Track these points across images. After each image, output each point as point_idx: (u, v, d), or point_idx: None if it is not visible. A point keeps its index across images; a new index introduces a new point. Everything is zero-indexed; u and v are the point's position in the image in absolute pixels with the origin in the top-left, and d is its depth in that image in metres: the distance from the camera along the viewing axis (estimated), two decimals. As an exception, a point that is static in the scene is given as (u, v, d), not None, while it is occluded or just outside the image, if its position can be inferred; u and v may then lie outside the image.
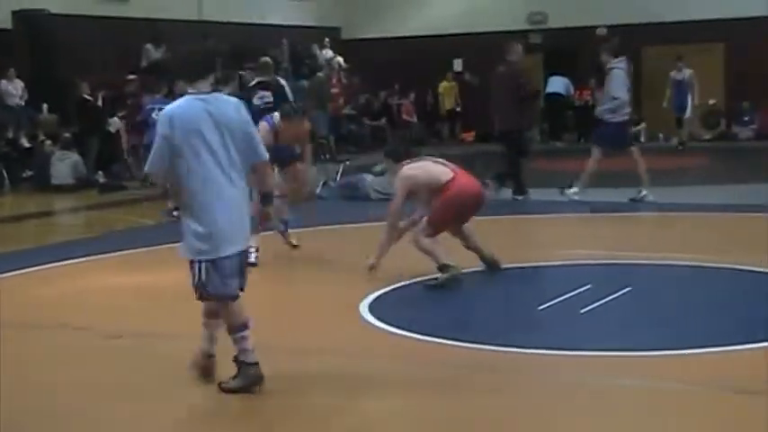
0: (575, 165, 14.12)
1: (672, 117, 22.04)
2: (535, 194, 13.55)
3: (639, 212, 12.33)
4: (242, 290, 5.49)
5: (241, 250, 5.49)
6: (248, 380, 5.41)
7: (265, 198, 5.96)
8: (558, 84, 23.90)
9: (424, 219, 8.28)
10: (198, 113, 5.35)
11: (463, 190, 8.30)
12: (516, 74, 13.80)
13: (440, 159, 8.67)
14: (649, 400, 5.33)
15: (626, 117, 13.16)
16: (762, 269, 8.28)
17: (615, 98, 12.95)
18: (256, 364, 5.42)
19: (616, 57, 13.41)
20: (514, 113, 13.56)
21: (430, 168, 8.43)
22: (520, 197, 13.52)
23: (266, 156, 5.64)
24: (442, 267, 8.09)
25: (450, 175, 8.32)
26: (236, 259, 5.43)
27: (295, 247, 10.00)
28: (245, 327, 5.41)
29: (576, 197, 12.88)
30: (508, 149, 13.69)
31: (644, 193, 12.75)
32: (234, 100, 5.60)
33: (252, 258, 8.08)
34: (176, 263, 7.89)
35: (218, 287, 5.37)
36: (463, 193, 8.29)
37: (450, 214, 8.31)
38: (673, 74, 21.54)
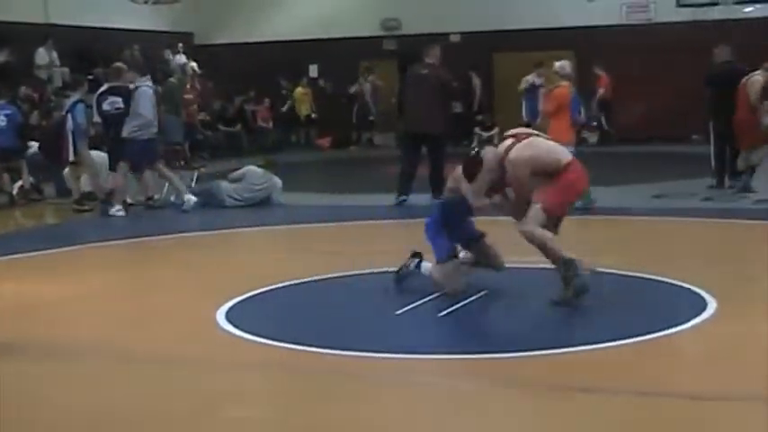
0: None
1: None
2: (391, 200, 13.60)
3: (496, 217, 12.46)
4: None
5: None
6: None
7: None
8: None
9: (537, 206, 7.24)
10: None
11: (582, 175, 7.58)
12: (441, 76, 13.82)
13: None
14: (507, 401, 5.38)
15: (153, 135, 13.44)
16: (608, 269, 8.48)
17: (140, 115, 13.06)
18: None
19: (143, 75, 13.65)
20: (440, 116, 13.53)
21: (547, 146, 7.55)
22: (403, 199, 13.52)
23: None
24: (567, 263, 7.15)
25: (570, 156, 7.54)
26: None
27: None
28: None
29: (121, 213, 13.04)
30: (431, 152, 13.60)
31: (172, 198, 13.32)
32: None
33: None
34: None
35: None
36: (581, 180, 7.59)
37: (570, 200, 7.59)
38: (531, 77, 21.92)
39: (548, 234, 7.20)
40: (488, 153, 7.43)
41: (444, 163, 13.51)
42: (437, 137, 13.52)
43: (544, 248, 7.23)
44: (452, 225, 7.86)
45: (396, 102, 15.51)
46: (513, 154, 7.27)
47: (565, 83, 12.02)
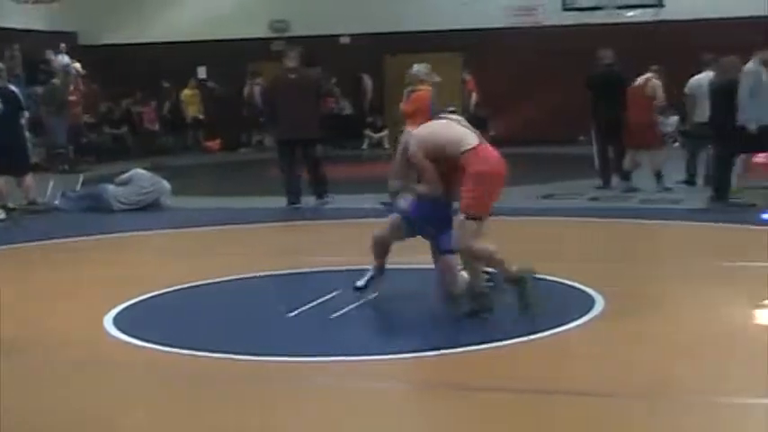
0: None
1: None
2: (279, 202, 13.52)
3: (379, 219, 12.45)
4: None
5: None
6: None
7: None
8: None
9: (458, 217, 6.87)
10: None
11: (493, 162, 7.02)
12: (310, 77, 13.73)
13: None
14: (401, 401, 5.39)
15: None
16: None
17: None
18: None
19: None
20: (314, 119, 13.45)
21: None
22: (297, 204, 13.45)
23: None
24: (517, 281, 6.85)
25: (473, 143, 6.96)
26: None
27: None
28: None
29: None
30: (307, 156, 13.48)
31: None
32: None
33: None
34: None
35: None
36: (493, 168, 7.01)
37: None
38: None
39: (489, 248, 6.84)
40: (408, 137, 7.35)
41: (322, 164, 13.54)
42: (312, 140, 13.50)
43: (489, 263, 6.97)
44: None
45: (266, 109, 15.35)
46: (413, 132, 7.32)
47: (424, 86, 12.22)
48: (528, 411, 5.15)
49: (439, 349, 6.20)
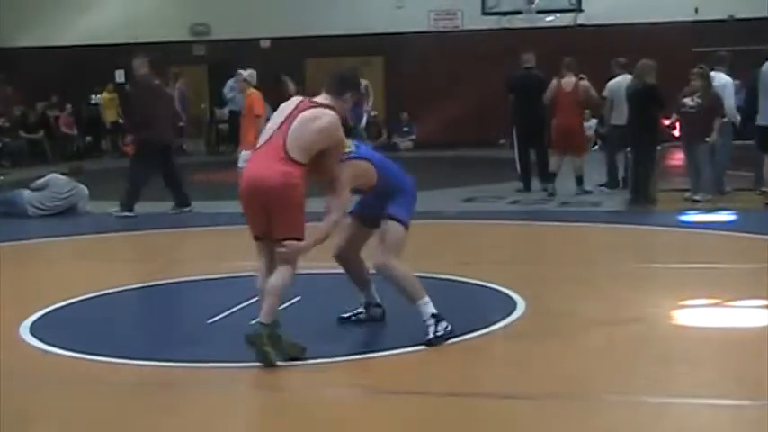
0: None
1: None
2: (203, 207, 13.41)
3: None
4: None
5: None
6: None
7: None
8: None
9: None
10: None
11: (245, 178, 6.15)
12: (157, 86, 13.85)
13: None
14: (318, 406, 5.34)
15: None
16: (421, 273, 8.54)
17: None
18: None
19: None
20: (173, 125, 13.60)
21: None
22: (186, 209, 13.34)
23: None
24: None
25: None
26: None
27: None
28: None
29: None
30: (168, 162, 13.40)
31: None
32: None
33: None
34: None
35: None
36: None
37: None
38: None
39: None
40: None
41: (177, 173, 13.60)
42: (170, 146, 13.74)
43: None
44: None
45: (131, 115, 15.64)
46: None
47: (253, 90, 12.37)
48: (448, 414, 5.15)
49: (357, 354, 6.19)
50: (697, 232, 10.95)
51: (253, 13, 24.30)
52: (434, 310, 6.38)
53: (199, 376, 5.92)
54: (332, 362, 6.05)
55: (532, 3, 23.21)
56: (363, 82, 23.33)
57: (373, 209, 6.56)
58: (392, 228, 6.42)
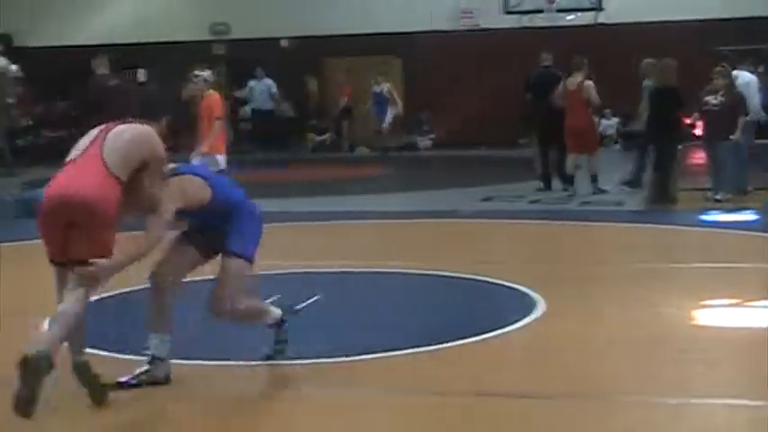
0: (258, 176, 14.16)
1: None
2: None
3: (321, 222, 12.42)
4: None
5: None
6: None
7: None
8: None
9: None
10: None
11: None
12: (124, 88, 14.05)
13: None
14: (329, 406, 5.35)
15: None
16: (441, 272, 8.56)
17: None
18: None
19: None
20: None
21: None
22: None
23: None
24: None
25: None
26: None
27: None
28: None
29: None
30: None
31: None
32: None
33: None
34: None
35: None
36: None
37: None
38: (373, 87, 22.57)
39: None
40: None
41: None
42: None
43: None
44: None
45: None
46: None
47: (212, 92, 12.42)
48: (466, 414, 5.15)
49: (374, 353, 6.16)
50: (718, 232, 10.92)
51: (273, 11, 24.32)
52: (277, 318, 5.90)
53: (206, 374, 5.93)
54: (348, 361, 6.06)
55: (553, 2, 23.14)
56: (386, 85, 23.49)
57: (210, 236, 5.69)
58: (234, 266, 5.61)
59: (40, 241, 5.23)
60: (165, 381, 5.54)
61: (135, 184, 5.24)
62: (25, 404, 4.71)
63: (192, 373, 5.87)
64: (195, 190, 5.48)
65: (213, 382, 5.80)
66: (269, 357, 5.95)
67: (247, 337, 6.74)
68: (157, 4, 25.36)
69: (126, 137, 5.26)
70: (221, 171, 12.70)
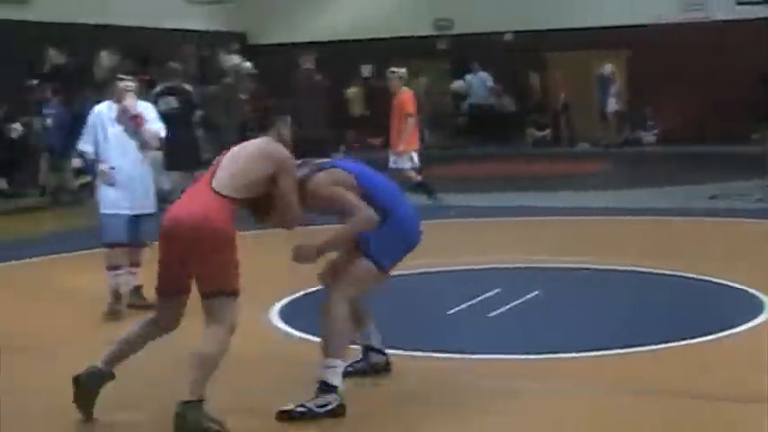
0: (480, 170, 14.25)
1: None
2: (451, 200, 13.54)
3: (546, 217, 12.41)
4: None
5: None
6: None
7: None
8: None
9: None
10: None
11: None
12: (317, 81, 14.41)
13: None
14: (551, 403, 5.36)
15: None
16: (663, 271, 8.42)
17: None
18: None
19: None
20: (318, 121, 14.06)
21: None
22: None
23: None
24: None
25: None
26: None
27: None
28: None
29: None
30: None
31: None
32: None
33: None
34: (67, 272, 7.67)
35: None
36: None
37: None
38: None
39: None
40: None
41: None
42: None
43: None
44: None
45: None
46: None
47: (405, 89, 12.25)
48: (683, 416, 5.06)
49: (599, 351, 6.14)
50: None
51: (496, 6, 24.34)
52: (334, 381, 5.18)
53: (434, 366, 6.04)
54: (568, 358, 6.06)
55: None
56: (609, 67, 23.07)
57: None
58: (361, 265, 5.34)
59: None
60: (385, 369, 5.75)
61: (268, 196, 5.15)
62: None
63: (400, 364, 6.01)
64: (345, 179, 5.34)
65: (428, 375, 5.92)
66: (289, 412, 5.11)
67: (467, 331, 6.87)
68: (383, 1, 25.84)
69: (243, 155, 5.15)
70: (414, 168, 12.95)
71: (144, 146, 7.76)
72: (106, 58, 19.85)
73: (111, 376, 5.20)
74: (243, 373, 5.80)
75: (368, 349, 5.78)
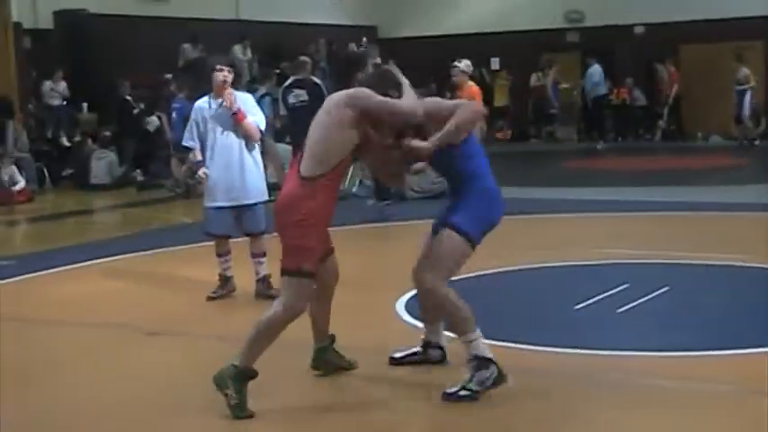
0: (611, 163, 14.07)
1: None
2: (571, 194, 13.45)
3: (675, 212, 12.18)
4: None
5: None
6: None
7: None
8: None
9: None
10: None
11: None
12: None
13: None
14: (685, 401, 5.29)
15: None
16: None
17: None
18: None
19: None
20: None
21: None
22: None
23: None
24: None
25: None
26: None
27: None
28: None
29: None
30: None
31: None
32: None
33: None
34: (212, 260, 7.92)
35: None
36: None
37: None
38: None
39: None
40: None
41: None
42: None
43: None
44: None
45: None
46: None
47: (472, 84, 12.08)
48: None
49: (729, 349, 6.03)
50: None
51: (626, -1, 24.03)
52: (485, 353, 5.22)
53: (562, 361, 6.03)
54: (700, 355, 5.97)
55: None
56: (744, 70, 22.36)
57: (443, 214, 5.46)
58: (450, 239, 5.26)
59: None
60: (441, 361, 5.83)
61: (371, 137, 5.22)
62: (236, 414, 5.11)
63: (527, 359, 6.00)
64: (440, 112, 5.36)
65: (562, 370, 5.91)
66: (451, 394, 5.23)
67: (595, 326, 6.82)
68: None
69: (314, 126, 5.20)
70: None
71: (246, 139, 7.81)
72: (189, 50, 20.26)
73: (333, 341, 5.73)
74: (374, 365, 5.89)
75: (428, 344, 5.87)
